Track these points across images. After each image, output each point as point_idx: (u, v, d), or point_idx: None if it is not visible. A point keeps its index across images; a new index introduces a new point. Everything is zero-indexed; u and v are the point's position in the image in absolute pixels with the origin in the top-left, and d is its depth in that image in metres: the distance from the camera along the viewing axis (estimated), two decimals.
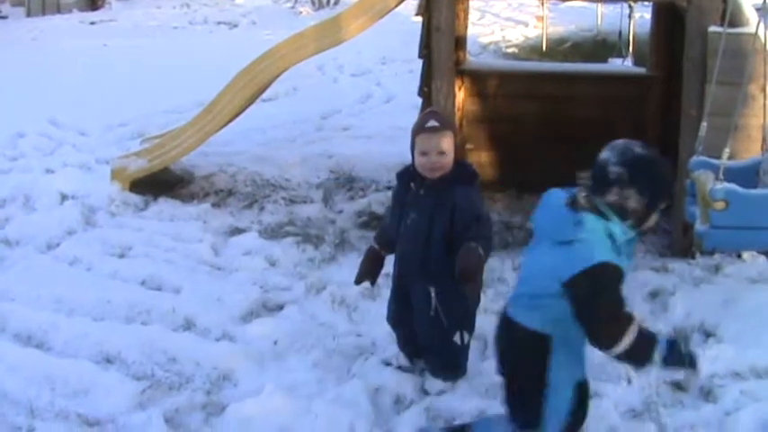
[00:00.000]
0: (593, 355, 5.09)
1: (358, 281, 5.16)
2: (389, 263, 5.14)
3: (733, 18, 6.10)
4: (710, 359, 5.00)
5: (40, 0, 27.35)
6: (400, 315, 5.07)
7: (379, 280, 5.94)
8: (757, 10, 6.34)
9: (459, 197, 4.67)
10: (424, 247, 4.74)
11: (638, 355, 3.73)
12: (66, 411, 4.70)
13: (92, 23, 24.77)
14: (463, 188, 4.71)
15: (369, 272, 5.13)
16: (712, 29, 6.44)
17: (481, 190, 4.86)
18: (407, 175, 4.89)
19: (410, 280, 4.89)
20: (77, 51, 17.91)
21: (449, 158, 4.70)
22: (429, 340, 4.91)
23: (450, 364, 4.94)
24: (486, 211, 4.84)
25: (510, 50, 18.85)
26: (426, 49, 7.23)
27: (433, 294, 4.78)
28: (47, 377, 4.95)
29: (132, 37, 21.26)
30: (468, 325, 4.94)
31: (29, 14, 27.46)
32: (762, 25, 5.85)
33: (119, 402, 4.77)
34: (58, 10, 27.67)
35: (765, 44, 5.79)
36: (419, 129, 4.78)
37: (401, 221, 4.87)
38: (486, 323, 5.16)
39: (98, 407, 4.74)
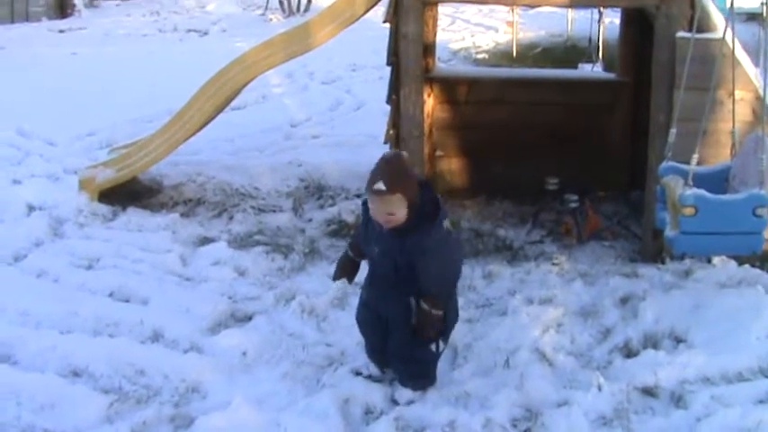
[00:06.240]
0: (564, 363, 5.14)
1: (336, 278, 5.17)
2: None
3: (701, 24, 6.13)
4: (681, 365, 5.01)
5: (8, 8, 27.10)
6: (370, 322, 5.01)
7: (349, 289, 5.91)
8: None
9: (417, 244, 4.58)
10: (395, 273, 4.70)
11: None
12: (32, 426, 4.61)
13: (61, 31, 24.60)
14: (422, 233, 4.59)
15: (346, 272, 5.14)
16: (680, 34, 6.46)
17: (446, 218, 4.71)
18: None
19: (384, 296, 4.86)
20: (46, 59, 17.77)
21: (399, 215, 4.57)
22: (404, 349, 4.84)
23: (420, 373, 4.91)
24: (449, 250, 4.74)
25: (480, 56, 18.86)
26: (394, 57, 7.21)
27: (413, 304, 4.74)
28: (13, 391, 4.85)
29: (102, 45, 21.14)
30: (446, 334, 4.91)
31: None
32: (729, 31, 5.88)
33: (86, 416, 4.69)
34: (27, 18, 27.44)
35: (733, 49, 5.81)
36: (368, 187, 4.61)
37: (369, 246, 4.84)
38: (455, 332, 5.13)
39: (65, 421, 4.66)
